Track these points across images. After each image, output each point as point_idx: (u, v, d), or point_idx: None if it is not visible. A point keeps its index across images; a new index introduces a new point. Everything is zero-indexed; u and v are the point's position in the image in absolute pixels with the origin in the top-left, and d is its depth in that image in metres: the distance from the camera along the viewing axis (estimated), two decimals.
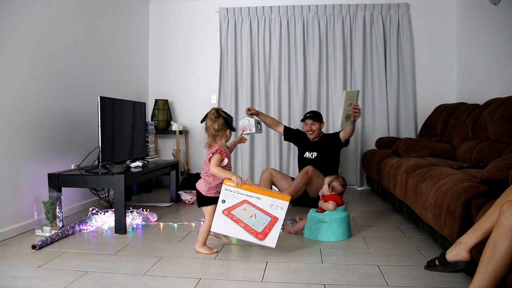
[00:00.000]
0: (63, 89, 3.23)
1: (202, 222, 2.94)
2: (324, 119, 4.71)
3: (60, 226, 2.73)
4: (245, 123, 3.27)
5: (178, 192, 3.91)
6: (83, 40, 3.54)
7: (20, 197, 2.75)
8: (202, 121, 2.37)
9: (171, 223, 3.03)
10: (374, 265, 2.09)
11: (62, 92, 3.22)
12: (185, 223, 3.03)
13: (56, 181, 2.80)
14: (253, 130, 3.27)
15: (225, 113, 2.34)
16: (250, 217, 2.20)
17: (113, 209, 2.82)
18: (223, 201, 2.21)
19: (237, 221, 2.20)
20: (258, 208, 2.21)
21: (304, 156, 3.69)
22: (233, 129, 2.37)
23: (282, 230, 2.77)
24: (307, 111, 4.71)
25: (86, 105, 3.47)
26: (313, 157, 3.63)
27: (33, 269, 2.06)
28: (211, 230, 2.25)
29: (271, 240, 2.20)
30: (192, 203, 3.78)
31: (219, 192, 2.27)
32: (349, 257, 2.25)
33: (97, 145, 2.98)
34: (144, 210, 3.20)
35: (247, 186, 2.24)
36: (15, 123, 2.71)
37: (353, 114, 3.24)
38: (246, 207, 2.21)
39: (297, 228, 2.73)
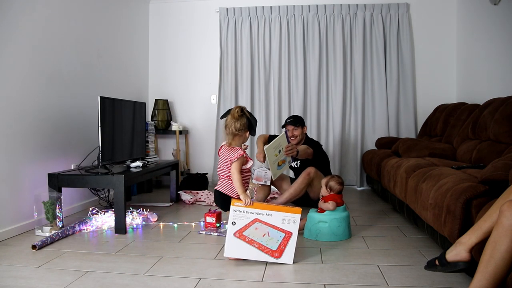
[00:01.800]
0: (63, 89, 3.23)
1: (202, 222, 2.95)
2: (324, 119, 4.72)
3: (60, 226, 2.73)
4: (261, 174, 3.30)
5: (178, 192, 3.91)
6: (83, 40, 3.54)
7: (20, 197, 2.75)
8: (222, 117, 2.32)
9: (171, 223, 3.03)
10: (374, 265, 2.09)
11: (62, 92, 3.22)
12: (185, 223, 3.03)
13: (56, 181, 2.80)
14: (268, 182, 3.32)
15: (250, 113, 2.29)
16: (263, 235, 2.13)
17: (113, 209, 2.82)
18: (233, 223, 2.13)
19: (250, 242, 2.12)
20: (270, 225, 2.14)
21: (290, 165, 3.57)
22: (253, 133, 2.31)
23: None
24: (306, 111, 4.72)
25: (86, 105, 3.47)
26: (298, 166, 3.56)
27: (33, 269, 2.06)
28: (225, 255, 2.14)
29: (288, 257, 2.13)
30: (192, 203, 3.78)
31: (246, 189, 2.28)
32: (349, 257, 2.25)
33: (97, 145, 2.98)
34: (144, 210, 3.20)
35: (256, 204, 2.18)
36: (15, 123, 2.71)
37: (286, 156, 3.12)
38: (258, 226, 2.14)
39: None
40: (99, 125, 2.91)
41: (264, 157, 3.18)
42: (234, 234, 2.13)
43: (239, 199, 2.18)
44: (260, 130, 4.78)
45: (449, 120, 3.74)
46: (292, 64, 4.72)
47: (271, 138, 3.54)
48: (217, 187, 2.38)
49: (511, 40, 3.28)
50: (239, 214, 2.15)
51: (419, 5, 4.62)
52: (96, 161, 3.08)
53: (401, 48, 4.60)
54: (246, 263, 2.15)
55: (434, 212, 2.06)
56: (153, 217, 3.09)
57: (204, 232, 2.75)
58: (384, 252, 2.31)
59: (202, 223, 2.96)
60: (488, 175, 1.86)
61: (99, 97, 2.91)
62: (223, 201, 2.33)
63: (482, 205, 1.74)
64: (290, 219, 2.15)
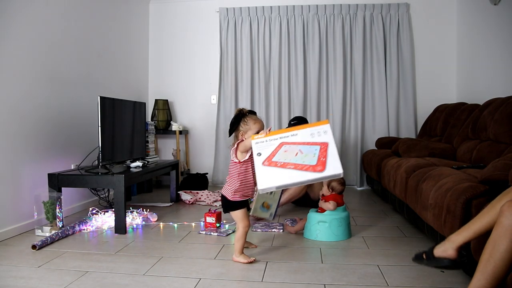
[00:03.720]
0: (63, 89, 3.23)
1: (202, 222, 2.95)
2: (324, 119, 4.72)
3: (60, 226, 2.73)
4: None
5: (178, 192, 3.91)
6: (83, 40, 3.54)
7: (20, 197, 2.75)
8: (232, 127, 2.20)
9: (171, 223, 3.03)
10: (374, 265, 2.09)
11: (62, 92, 3.22)
12: (185, 223, 3.02)
13: (56, 181, 2.80)
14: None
15: (238, 114, 2.19)
16: (295, 155, 1.83)
17: (113, 209, 2.82)
18: (259, 154, 1.89)
19: (284, 165, 1.83)
20: (299, 143, 1.86)
21: None
22: (229, 134, 2.25)
23: (282, 230, 2.77)
24: (306, 111, 4.72)
25: (86, 105, 3.47)
26: None
27: (33, 269, 2.06)
28: (259, 189, 1.89)
29: (334, 167, 1.79)
30: (192, 203, 3.78)
31: (245, 196, 2.17)
32: (349, 257, 2.25)
33: (97, 145, 2.98)
34: (144, 210, 3.20)
35: (275, 131, 1.96)
36: (15, 123, 2.71)
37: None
38: (287, 148, 1.86)
39: (297, 228, 2.73)
40: (99, 125, 2.91)
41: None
42: (263, 163, 1.87)
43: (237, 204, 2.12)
44: None
45: (449, 120, 3.74)
46: (292, 64, 4.72)
47: None
48: (222, 189, 2.27)
49: (511, 40, 3.28)
50: (261, 144, 1.91)
51: (419, 5, 4.62)
52: (96, 161, 3.08)
53: (401, 48, 4.60)
54: (246, 263, 2.15)
55: (434, 212, 2.06)
56: (153, 217, 3.09)
57: (204, 232, 2.75)
58: (384, 252, 2.31)
59: (202, 223, 2.96)
60: (488, 175, 1.86)
61: (99, 97, 2.91)
62: (223, 203, 2.25)
63: (482, 205, 1.74)
64: (319, 131, 1.88)
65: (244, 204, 2.19)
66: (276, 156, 1.86)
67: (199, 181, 4.43)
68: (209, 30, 4.92)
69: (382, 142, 4.25)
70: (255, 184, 2.09)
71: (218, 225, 2.85)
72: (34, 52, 2.91)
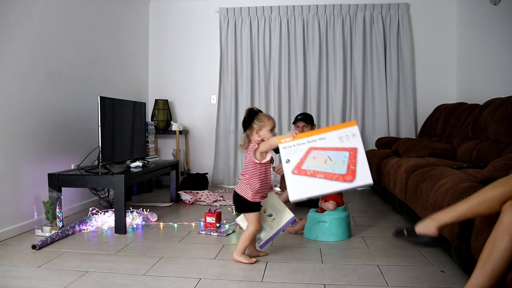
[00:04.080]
0: (63, 89, 3.23)
1: (202, 222, 2.95)
2: (324, 120, 4.72)
3: (60, 226, 2.73)
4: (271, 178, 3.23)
5: (178, 192, 3.91)
6: (83, 40, 3.54)
7: (20, 197, 2.75)
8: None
9: (171, 223, 3.03)
10: (374, 265, 2.09)
11: (62, 92, 3.22)
12: (185, 223, 3.02)
13: (56, 181, 2.80)
14: (277, 186, 3.19)
15: (249, 112, 2.17)
16: (325, 162, 1.83)
17: (113, 209, 2.82)
18: (288, 161, 1.87)
19: (314, 174, 1.83)
20: (328, 148, 1.85)
21: None
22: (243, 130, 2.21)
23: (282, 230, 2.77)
24: (305, 111, 4.72)
25: (86, 105, 3.47)
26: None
27: (33, 269, 2.06)
28: (290, 199, 1.91)
29: (364, 177, 1.82)
30: (192, 203, 3.78)
31: (264, 196, 2.14)
32: (349, 257, 2.24)
33: (97, 145, 2.98)
34: (144, 210, 3.20)
35: (302, 133, 1.94)
36: (15, 123, 2.71)
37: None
38: (315, 154, 1.85)
39: (297, 228, 2.73)
40: (99, 125, 2.91)
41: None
42: (293, 172, 1.87)
43: (250, 207, 2.07)
44: None
45: (449, 120, 3.74)
46: (292, 64, 4.72)
47: None
48: (235, 188, 2.21)
49: (511, 40, 3.28)
50: (290, 149, 1.89)
51: (419, 5, 4.62)
52: (96, 161, 3.08)
53: (401, 48, 4.60)
54: (246, 263, 2.16)
55: (434, 212, 2.06)
56: (153, 217, 3.09)
57: (204, 232, 2.75)
58: (384, 252, 2.31)
59: (202, 223, 2.96)
60: (488, 175, 1.86)
61: (99, 97, 2.91)
62: (238, 203, 2.19)
63: None
64: (348, 134, 1.87)
65: (260, 206, 2.17)
66: (305, 164, 1.85)
67: (199, 181, 4.43)
68: (209, 30, 4.92)
69: (382, 142, 4.25)
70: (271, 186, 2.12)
71: (218, 225, 2.85)
72: (34, 52, 2.91)
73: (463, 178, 2.02)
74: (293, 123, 3.59)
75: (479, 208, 1.46)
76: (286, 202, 3.26)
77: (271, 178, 3.13)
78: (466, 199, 1.50)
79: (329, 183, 1.82)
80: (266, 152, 2.10)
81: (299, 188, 1.84)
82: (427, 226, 1.58)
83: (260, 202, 2.16)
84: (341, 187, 1.82)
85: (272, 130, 2.12)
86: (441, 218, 1.55)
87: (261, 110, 2.23)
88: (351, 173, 1.81)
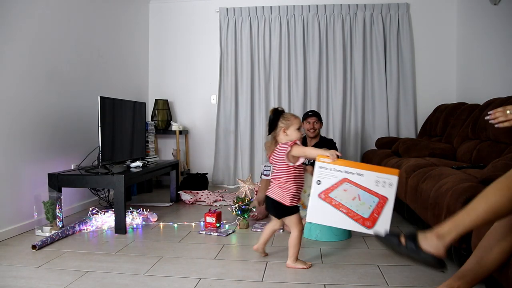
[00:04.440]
0: (63, 89, 3.23)
1: (202, 222, 2.95)
2: (324, 119, 4.72)
3: (60, 226, 2.73)
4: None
5: (178, 192, 3.91)
6: (83, 40, 3.54)
7: (20, 197, 2.75)
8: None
9: (171, 223, 3.03)
10: (374, 265, 2.09)
11: (62, 92, 3.22)
12: (185, 223, 3.02)
13: (56, 181, 2.80)
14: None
15: (274, 112, 2.14)
16: (353, 199, 1.81)
17: (113, 209, 2.82)
18: (318, 182, 1.84)
19: (338, 205, 1.82)
20: (361, 187, 1.82)
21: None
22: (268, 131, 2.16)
23: (282, 230, 2.77)
24: (307, 110, 4.71)
25: (86, 105, 3.47)
26: (310, 162, 3.46)
27: (33, 269, 2.06)
28: (307, 219, 1.92)
29: (382, 228, 1.79)
30: (192, 203, 3.78)
31: (299, 199, 2.10)
32: (349, 257, 2.24)
33: (97, 145, 2.98)
34: (144, 210, 3.20)
35: (344, 161, 1.87)
36: (15, 123, 2.71)
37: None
38: (347, 187, 1.82)
39: None
40: (99, 125, 2.91)
41: None
42: (319, 195, 1.85)
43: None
44: (260, 130, 4.78)
45: (449, 120, 3.74)
46: (292, 64, 4.72)
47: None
48: (268, 192, 2.13)
49: (511, 40, 3.28)
50: (325, 171, 1.85)
51: (419, 5, 4.62)
52: (96, 161, 3.08)
53: (401, 48, 4.60)
54: (246, 263, 2.16)
55: (434, 212, 2.06)
56: (153, 217, 3.09)
57: (204, 232, 2.75)
58: (384, 252, 2.31)
59: (202, 223, 2.96)
60: (488, 175, 1.86)
61: (99, 97, 2.91)
62: (275, 208, 2.11)
63: None
64: (385, 182, 1.82)
65: (298, 208, 2.11)
66: (334, 192, 1.83)
67: (199, 181, 4.43)
68: (209, 30, 4.92)
69: (382, 142, 4.25)
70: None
71: (218, 225, 2.85)
72: (34, 52, 2.91)
73: (463, 178, 2.02)
74: (303, 119, 3.56)
75: (489, 217, 1.30)
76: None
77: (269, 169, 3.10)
78: (468, 209, 1.33)
79: (348, 220, 1.82)
80: (299, 157, 2.05)
81: (320, 214, 1.84)
82: (435, 246, 1.35)
83: (297, 205, 2.09)
84: (358, 229, 1.82)
85: (299, 129, 2.08)
86: (448, 237, 1.34)
87: (284, 109, 2.16)
88: (372, 220, 1.81)
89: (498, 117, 1.58)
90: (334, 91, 4.67)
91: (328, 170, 1.85)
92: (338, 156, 1.91)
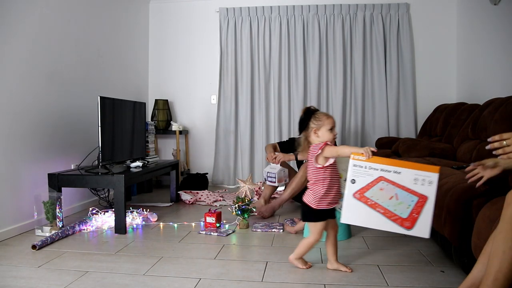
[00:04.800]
0: (63, 89, 3.23)
1: (202, 222, 2.95)
2: None
3: (60, 226, 2.73)
4: (281, 175, 3.19)
5: (178, 192, 3.91)
6: (83, 40, 3.54)
7: (20, 197, 2.75)
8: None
9: (171, 223, 3.03)
10: (374, 265, 2.09)
11: (62, 92, 3.22)
12: (185, 223, 3.02)
13: (56, 181, 2.80)
14: (287, 181, 3.22)
15: (306, 112, 2.05)
16: (390, 198, 1.73)
17: (113, 209, 2.82)
18: (353, 181, 1.76)
19: (374, 205, 1.74)
20: (399, 185, 1.72)
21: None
22: (299, 131, 2.08)
23: (282, 230, 2.77)
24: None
25: (86, 105, 3.47)
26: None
27: (33, 269, 2.06)
28: (341, 221, 1.84)
29: (423, 228, 1.71)
30: (192, 203, 3.78)
31: (333, 203, 1.95)
32: (349, 257, 2.24)
33: (97, 145, 2.98)
34: (144, 210, 3.20)
35: (380, 158, 1.77)
36: (15, 123, 2.71)
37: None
38: (384, 186, 1.73)
39: (297, 228, 2.73)
40: (99, 125, 2.91)
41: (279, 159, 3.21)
42: (354, 194, 1.76)
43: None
44: (260, 130, 4.78)
45: (449, 120, 3.74)
46: (292, 64, 4.72)
47: (281, 145, 3.58)
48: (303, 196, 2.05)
49: (511, 40, 3.28)
50: (359, 170, 1.76)
51: (419, 5, 4.62)
52: (96, 161, 3.08)
53: (401, 48, 4.60)
54: (246, 263, 2.16)
55: (434, 212, 2.06)
56: (153, 217, 3.09)
57: (204, 232, 2.75)
58: (384, 252, 2.31)
59: (202, 223, 2.96)
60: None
61: (99, 97, 2.91)
62: (302, 210, 2.05)
63: (482, 205, 1.74)
64: (425, 179, 1.72)
65: (328, 215, 1.98)
66: (370, 192, 1.75)
67: (199, 181, 4.43)
68: (209, 30, 4.92)
69: (382, 142, 4.25)
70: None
71: (218, 225, 2.85)
72: (34, 52, 2.91)
73: (463, 178, 2.02)
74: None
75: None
76: (287, 200, 3.27)
77: (282, 175, 3.08)
78: (478, 262, 1.32)
79: (385, 221, 1.74)
80: (329, 158, 1.94)
81: (355, 214, 1.77)
82: None
83: (329, 209, 1.96)
84: (396, 230, 1.74)
85: (332, 129, 1.97)
86: None
87: (318, 109, 2.07)
88: (412, 220, 1.72)
89: (496, 147, 1.47)
90: (334, 91, 4.67)
91: (363, 169, 1.76)
92: (373, 153, 1.79)
